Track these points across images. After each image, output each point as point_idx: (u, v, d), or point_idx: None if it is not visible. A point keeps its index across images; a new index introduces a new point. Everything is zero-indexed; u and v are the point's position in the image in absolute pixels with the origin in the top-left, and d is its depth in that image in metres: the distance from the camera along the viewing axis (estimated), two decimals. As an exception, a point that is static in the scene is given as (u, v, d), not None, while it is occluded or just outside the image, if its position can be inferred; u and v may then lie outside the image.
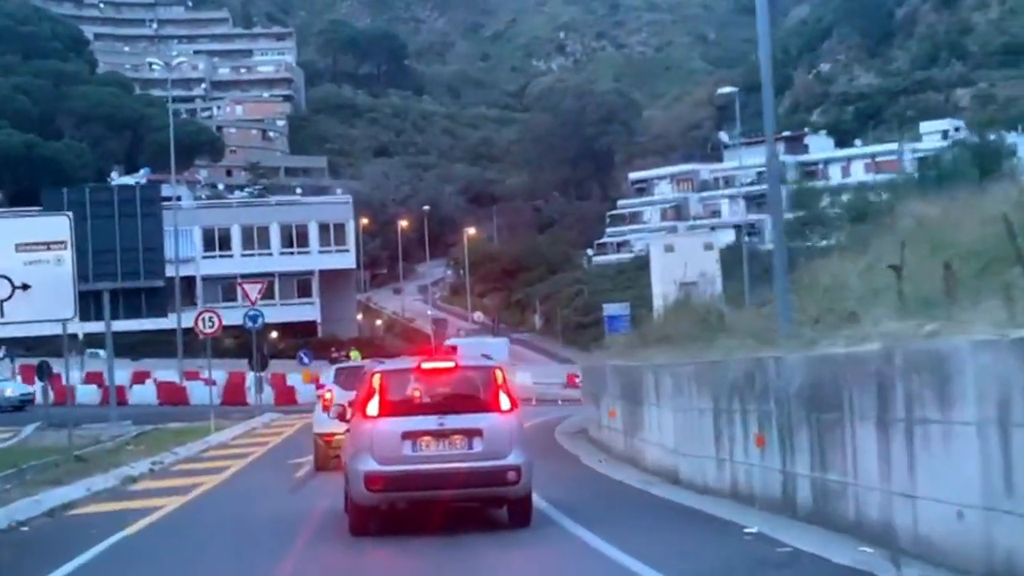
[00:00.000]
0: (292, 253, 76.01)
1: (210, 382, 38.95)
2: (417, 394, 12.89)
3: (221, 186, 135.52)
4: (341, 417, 14.31)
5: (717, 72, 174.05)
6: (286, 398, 47.27)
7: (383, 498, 12.52)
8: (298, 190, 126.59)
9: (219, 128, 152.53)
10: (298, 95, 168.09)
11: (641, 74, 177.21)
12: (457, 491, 12.52)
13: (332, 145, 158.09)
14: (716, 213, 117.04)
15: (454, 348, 54.40)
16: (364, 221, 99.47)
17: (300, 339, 69.22)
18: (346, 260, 77.25)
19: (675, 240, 73.37)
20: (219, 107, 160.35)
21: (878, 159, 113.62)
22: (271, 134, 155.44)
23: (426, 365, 13.01)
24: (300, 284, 76.15)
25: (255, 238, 75.27)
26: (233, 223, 75.41)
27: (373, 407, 12.58)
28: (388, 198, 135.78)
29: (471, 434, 12.38)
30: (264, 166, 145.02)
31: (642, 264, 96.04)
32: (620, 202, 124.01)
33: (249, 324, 37.25)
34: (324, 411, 20.31)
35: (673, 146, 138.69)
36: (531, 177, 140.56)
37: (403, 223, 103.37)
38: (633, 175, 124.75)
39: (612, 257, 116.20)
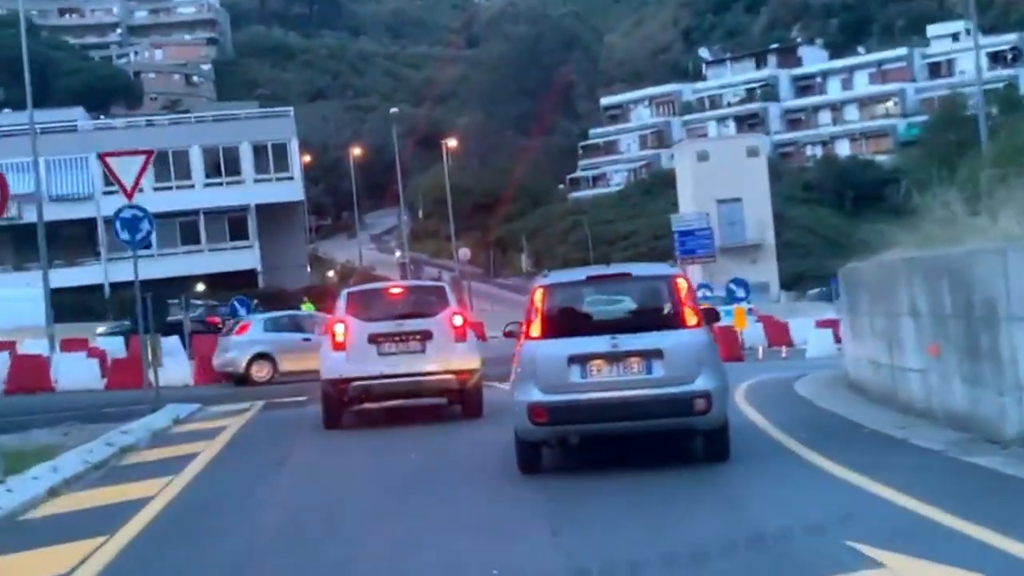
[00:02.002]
0: (220, 184, 56.39)
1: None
2: (586, 311, 10.74)
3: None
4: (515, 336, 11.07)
5: (666, 3, 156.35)
6: (212, 373, 28.44)
7: (550, 432, 10.31)
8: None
9: (137, 74, 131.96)
10: (224, 38, 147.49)
11: (592, 6, 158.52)
12: (635, 423, 10.16)
13: (263, 90, 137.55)
14: (703, 137, 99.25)
15: None
16: (306, 159, 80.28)
17: (236, 293, 49.87)
18: (291, 191, 57.59)
19: (710, 146, 55.12)
20: (136, 52, 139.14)
21: (884, 68, 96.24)
22: (195, 79, 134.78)
23: (595, 274, 11.08)
24: (233, 223, 56.63)
25: (171, 166, 55.43)
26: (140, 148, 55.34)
27: (535, 327, 10.43)
28: (330, 142, 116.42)
29: (650, 356, 10.08)
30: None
31: (647, 188, 78.20)
32: (592, 131, 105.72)
33: (123, 236, 18.55)
34: (334, 350, 15.45)
35: (641, 73, 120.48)
36: (485, 113, 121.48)
37: (356, 151, 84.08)
38: (606, 100, 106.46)
39: (588, 192, 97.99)
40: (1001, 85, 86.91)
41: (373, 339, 15.41)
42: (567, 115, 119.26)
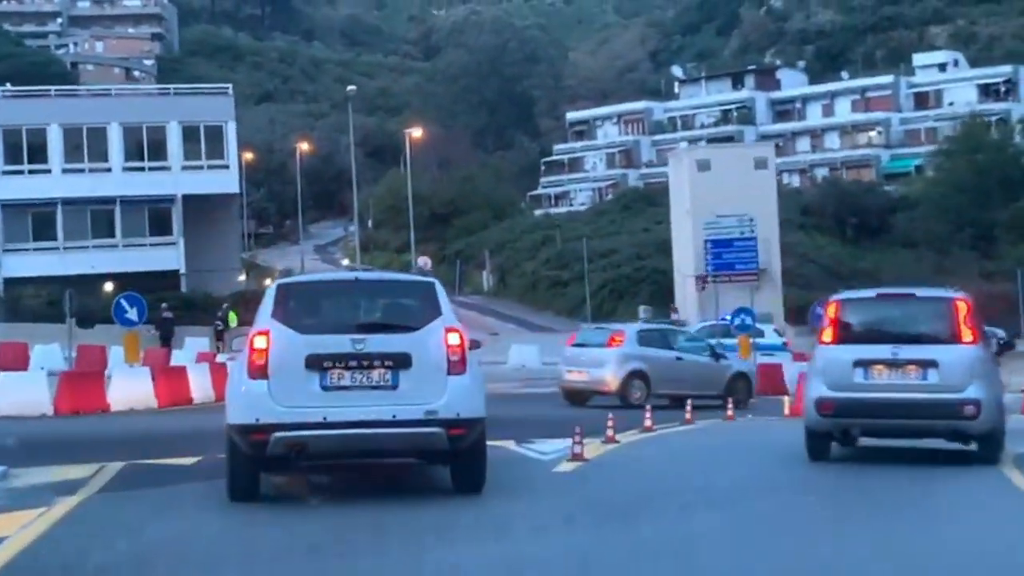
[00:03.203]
0: (142, 169, 47.36)
1: None
2: (873, 323, 12.50)
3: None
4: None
5: (631, 24, 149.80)
6: (85, 398, 19.58)
7: (834, 423, 12.17)
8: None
9: (74, 65, 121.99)
10: (170, 35, 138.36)
11: (556, 24, 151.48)
12: (908, 421, 12.01)
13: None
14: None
15: None
16: (248, 156, 71.42)
17: (153, 296, 40.60)
18: (225, 181, 48.44)
19: (712, 155, 47.12)
20: (76, 43, 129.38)
21: (868, 95, 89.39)
22: (137, 74, 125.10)
23: (884, 293, 12.93)
24: (154, 216, 47.52)
25: (85, 145, 46.31)
26: (51, 122, 46.11)
27: (828, 334, 12.36)
28: (275, 146, 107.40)
29: (926, 365, 11.78)
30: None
31: (626, 204, 70.18)
32: (557, 147, 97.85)
33: None
34: (251, 376, 9.49)
35: (606, 91, 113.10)
36: (442, 125, 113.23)
37: (304, 145, 75.33)
38: (572, 115, 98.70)
39: (552, 211, 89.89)
40: (993, 119, 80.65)
41: (315, 363, 9.51)
42: (527, 131, 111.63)
